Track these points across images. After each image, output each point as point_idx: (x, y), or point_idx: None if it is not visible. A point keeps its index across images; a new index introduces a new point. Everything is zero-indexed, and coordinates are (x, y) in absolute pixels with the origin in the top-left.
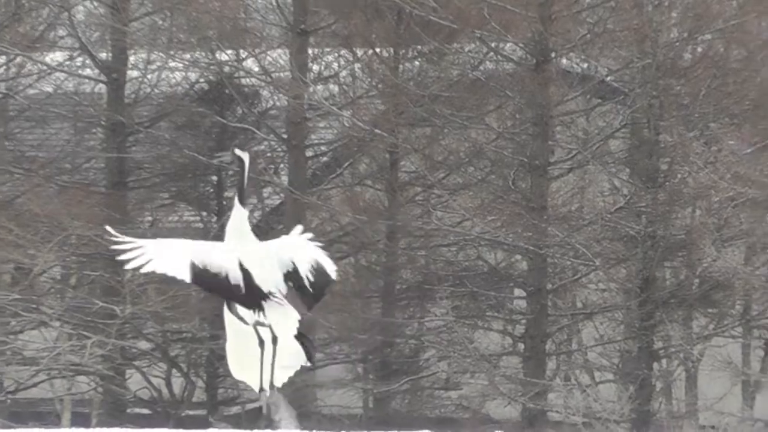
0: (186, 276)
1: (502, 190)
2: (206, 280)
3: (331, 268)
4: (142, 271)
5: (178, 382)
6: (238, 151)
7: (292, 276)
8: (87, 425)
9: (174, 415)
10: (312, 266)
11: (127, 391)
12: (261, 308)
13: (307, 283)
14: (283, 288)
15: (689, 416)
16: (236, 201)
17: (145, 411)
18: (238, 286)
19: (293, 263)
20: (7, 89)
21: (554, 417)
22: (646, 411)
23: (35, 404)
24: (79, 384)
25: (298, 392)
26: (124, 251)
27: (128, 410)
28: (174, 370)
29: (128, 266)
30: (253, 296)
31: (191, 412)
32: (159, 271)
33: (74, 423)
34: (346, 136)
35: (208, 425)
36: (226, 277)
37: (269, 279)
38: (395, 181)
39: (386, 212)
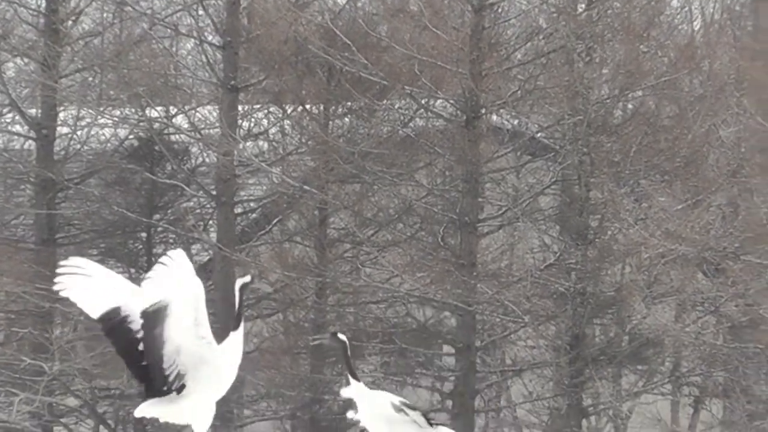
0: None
1: (431, 247)
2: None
3: None
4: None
5: None
6: (341, 336)
7: None
8: None
9: None
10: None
11: None
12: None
13: None
14: None
15: None
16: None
17: None
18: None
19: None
20: None
21: None
22: None
23: None
24: None
25: None
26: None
27: None
28: (102, 427)
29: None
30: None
31: None
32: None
33: None
34: (275, 193)
35: None
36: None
37: None
38: (324, 238)
39: (315, 269)
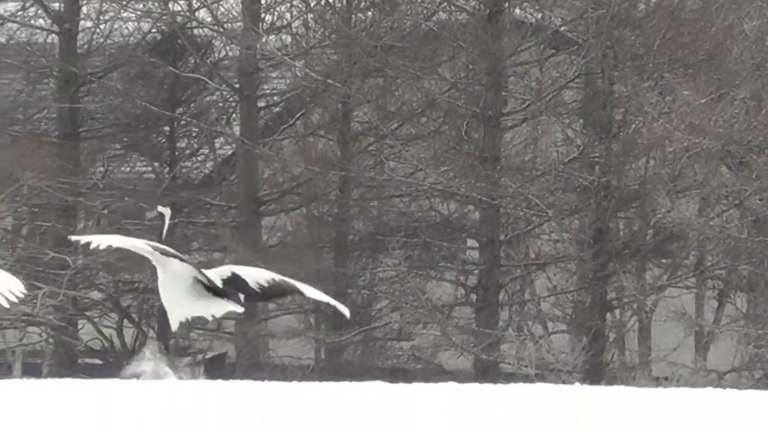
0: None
1: (455, 141)
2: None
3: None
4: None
5: (129, 333)
6: (160, 208)
7: (231, 281)
8: (38, 376)
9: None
10: (263, 279)
11: (79, 342)
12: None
13: (255, 287)
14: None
15: (642, 367)
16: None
17: (97, 361)
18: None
19: (232, 272)
20: None
21: (507, 368)
22: (598, 362)
23: None
24: (31, 335)
25: (250, 343)
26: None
27: (79, 361)
28: (126, 321)
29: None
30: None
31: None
32: (116, 244)
33: (25, 374)
34: (298, 87)
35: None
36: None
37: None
38: (348, 132)
39: (339, 163)
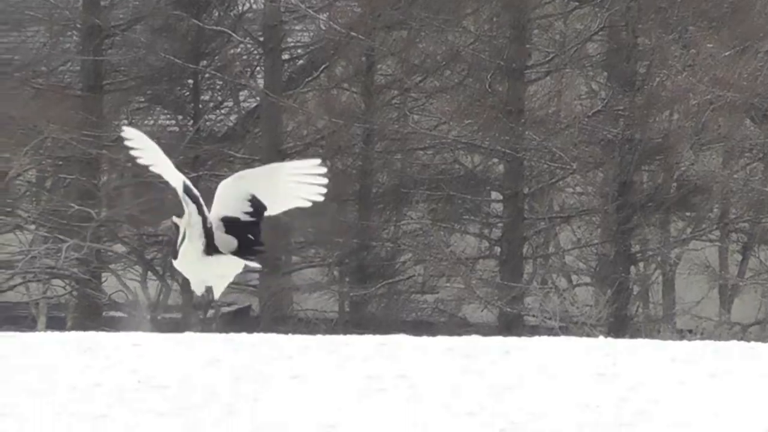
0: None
1: (479, 94)
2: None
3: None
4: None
5: (153, 286)
6: (175, 218)
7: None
8: (62, 329)
9: (149, 319)
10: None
11: (103, 295)
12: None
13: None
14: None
15: (666, 320)
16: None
17: (121, 314)
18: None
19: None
20: None
21: (531, 321)
22: (623, 315)
23: (10, 308)
24: (55, 288)
25: (274, 296)
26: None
27: (103, 313)
28: (149, 274)
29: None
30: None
31: (166, 315)
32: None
33: (50, 326)
34: (322, 40)
35: (183, 328)
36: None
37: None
38: (372, 85)
39: (363, 115)
